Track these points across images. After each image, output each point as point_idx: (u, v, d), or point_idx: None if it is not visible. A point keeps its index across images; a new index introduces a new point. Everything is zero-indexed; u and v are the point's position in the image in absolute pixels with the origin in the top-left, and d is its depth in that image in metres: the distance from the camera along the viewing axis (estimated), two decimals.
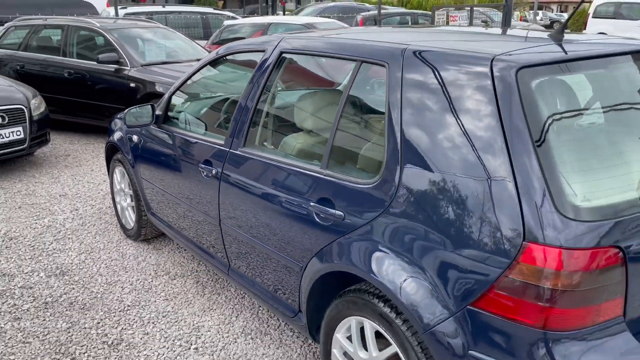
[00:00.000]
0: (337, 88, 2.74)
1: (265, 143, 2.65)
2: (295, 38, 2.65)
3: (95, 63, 6.70)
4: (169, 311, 3.18)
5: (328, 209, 2.14)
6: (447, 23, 10.21)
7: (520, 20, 35.89)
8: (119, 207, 4.20)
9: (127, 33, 6.99)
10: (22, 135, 5.62)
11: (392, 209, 1.92)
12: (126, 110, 3.38)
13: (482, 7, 13.00)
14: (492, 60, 1.79)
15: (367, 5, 18.53)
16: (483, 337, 1.68)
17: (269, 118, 2.67)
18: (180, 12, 10.55)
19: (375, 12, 12.13)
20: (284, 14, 19.52)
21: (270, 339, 2.91)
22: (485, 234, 1.66)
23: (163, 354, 2.78)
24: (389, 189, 1.94)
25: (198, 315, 3.13)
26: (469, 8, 10.65)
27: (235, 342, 2.89)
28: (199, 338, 2.92)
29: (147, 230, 3.96)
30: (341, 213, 2.09)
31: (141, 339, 2.92)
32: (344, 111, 2.24)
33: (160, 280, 3.53)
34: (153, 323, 3.06)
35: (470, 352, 1.69)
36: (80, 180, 5.59)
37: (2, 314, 3.15)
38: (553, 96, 1.78)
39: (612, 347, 1.60)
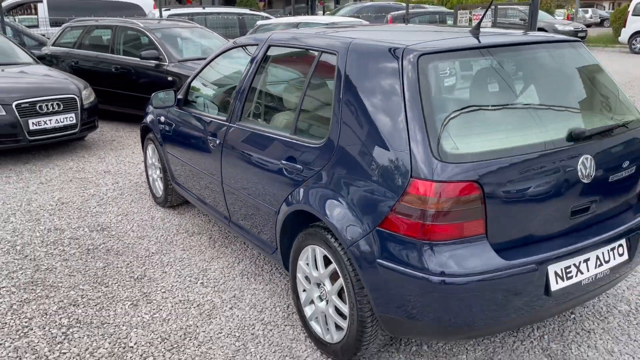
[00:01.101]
0: (304, 73, 3.40)
1: (253, 118, 3.34)
2: (281, 34, 3.32)
3: (138, 59, 7.56)
4: (184, 258, 3.91)
5: (293, 164, 2.81)
6: (470, 22, 10.65)
7: (568, 18, 35.45)
8: (150, 179, 4.98)
9: (167, 32, 7.83)
10: (74, 121, 6.51)
11: (332, 162, 2.57)
12: (153, 94, 4.13)
13: (509, 6, 13.31)
14: (403, 50, 2.42)
15: (402, 4, 19.00)
16: (385, 249, 2.30)
17: (257, 98, 3.35)
18: (219, 13, 11.40)
19: (404, 11, 12.67)
20: (323, 14, 20.22)
21: (262, 278, 3.60)
22: (387, 174, 2.30)
23: (176, 286, 3.51)
24: (332, 147, 2.59)
25: (207, 261, 3.85)
26: (493, 7, 11.03)
27: (234, 280, 3.59)
28: (205, 276, 3.63)
29: (172, 198, 4.72)
30: (300, 167, 2.75)
31: (160, 275, 3.66)
32: (307, 92, 2.90)
33: (180, 236, 4.27)
34: (170, 265, 3.80)
35: (377, 260, 2.32)
36: (122, 160, 6.43)
37: (54, 256, 3.96)
38: (444, 75, 2.39)
39: (473, 251, 2.20)
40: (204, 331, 3.02)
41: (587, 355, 2.77)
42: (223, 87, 3.92)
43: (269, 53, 3.33)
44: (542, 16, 21.20)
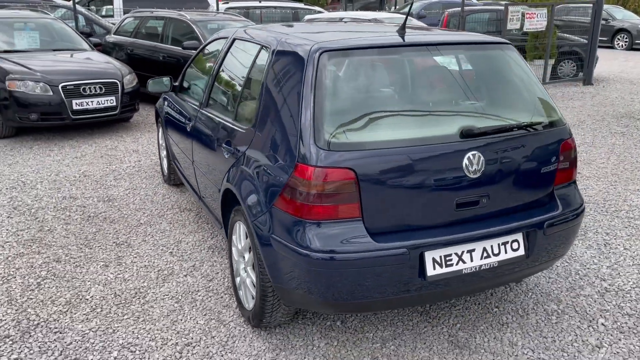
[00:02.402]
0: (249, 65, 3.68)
1: (212, 104, 3.67)
2: (246, 29, 3.63)
3: (181, 49, 8.12)
4: (166, 230, 4.32)
5: (229, 146, 3.12)
6: (522, 21, 10.39)
7: None
8: (160, 158, 5.45)
9: (210, 25, 8.33)
10: (114, 104, 7.14)
11: (250, 145, 2.86)
12: (149, 80, 4.55)
13: (571, 5, 12.77)
14: (311, 47, 2.65)
15: (474, 1, 18.62)
16: (277, 225, 2.56)
17: (217, 87, 3.68)
18: (275, 7, 11.84)
19: (468, 7, 12.53)
20: (391, 10, 20.25)
21: (225, 253, 3.94)
22: (282, 158, 2.55)
23: (148, 253, 3.93)
24: (254, 132, 2.87)
25: (185, 234, 4.24)
26: (550, 5, 10.70)
27: (200, 252, 3.95)
28: (177, 247, 4.02)
29: (174, 176, 5.16)
30: (233, 149, 3.06)
31: (138, 243, 4.09)
32: (247, 81, 3.19)
33: (171, 211, 4.70)
34: (152, 235, 4.22)
35: (271, 235, 2.59)
36: (153, 141, 6.99)
37: (59, 219, 4.50)
38: (341, 71, 2.61)
39: (347, 232, 2.41)
40: (153, 292, 3.40)
41: (488, 345, 2.89)
42: (202, 76, 4.28)
43: (233, 46, 3.65)
44: (627, 16, 20.05)
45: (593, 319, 3.12)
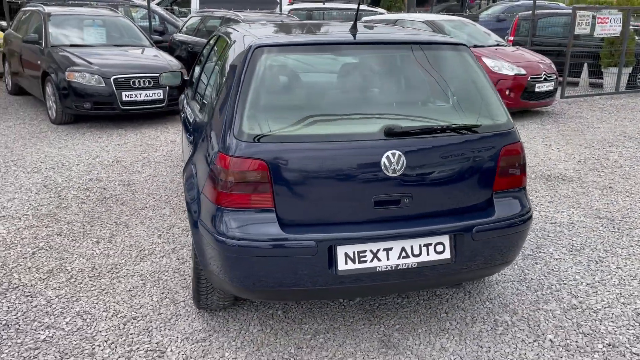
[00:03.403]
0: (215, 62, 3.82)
1: (195, 98, 3.86)
2: (227, 26, 3.80)
3: None
4: (165, 214, 4.59)
5: (192, 137, 3.29)
6: (594, 26, 9.80)
7: None
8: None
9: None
10: (161, 97, 7.58)
11: (202, 136, 3.01)
12: (159, 74, 4.83)
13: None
14: (250, 43, 2.77)
15: (560, 4, 17.77)
16: (202, 211, 2.70)
17: (200, 81, 3.87)
18: (340, 9, 11.97)
19: (541, 10, 12.00)
20: (472, 11, 19.73)
21: None
22: (212, 148, 2.68)
23: (139, 234, 4.20)
24: (207, 124, 3.03)
25: (181, 220, 4.48)
26: (626, 10, 9.99)
27: (186, 237, 4.17)
28: (168, 231, 4.27)
29: None
30: (194, 139, 3.23)
31: (135, 224, 4.38)
32: (215, 74, 3.34)
33: (178, 198, 4.97)
34: (150, 218, 4.50)
35: (199, 219, 2.73)
36: None
37: (77, 198, 4.90)
38: (271, 66, 2.69)
39: (257, 221, 2.50)
40: (127, 269, 3.65)
41: (417, 348, 2.86)
42: (197, 70, 4.50)
43: (217, 43, 3.83)
44: None
45: (542, 334, 2.99)
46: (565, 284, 3.52)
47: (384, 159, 2.55)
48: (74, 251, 3.89)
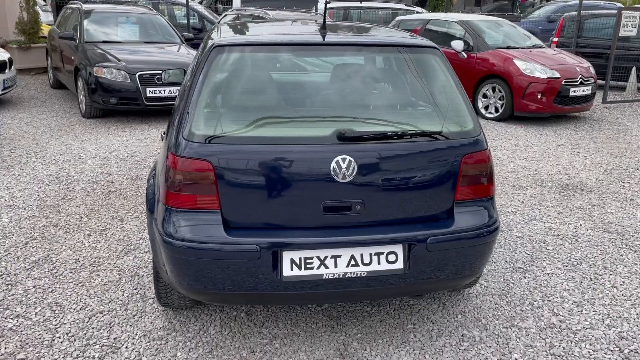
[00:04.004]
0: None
1: None
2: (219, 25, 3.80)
3: None
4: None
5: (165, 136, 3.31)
6: None
7: None
8: None
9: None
10: None
11: (167, 135, 3.02)
12: (169, 70, 4.90)
13: None
14: (214, 42, 2.75)
15: (617, 4, 16.94)
16: (156, 210, 2.70)
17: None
18: (377, 8, 11.82)
19: (591, 11, 11.47)
20: (524, 10, 19.10)
21: None
22: (167, 147, 2.68)
23: (130, 229, 4.27)
24: (171, 122, 3.03)
25: None
26: None
27: None
28: None
29: None
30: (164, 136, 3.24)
31: (130, 219, 4.45)
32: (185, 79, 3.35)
33: None
34: (145, 214, 4.57)
35: (153, 219, 2.74)
36: None
37: (84, 190, 5.04)
38: (229, 66, 2.66)
39: (202, 222, 2.48)
40: (108, 263, 3.72)
41: (372, 359, 2.78)
42: None
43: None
44: None
45: (509, 353, 2.84)
46: (549, 300, 3.34)
47: (333, 164, 2.47)
48: (64, 243, 3.99)
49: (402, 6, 12.39)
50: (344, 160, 2.47)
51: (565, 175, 5.82)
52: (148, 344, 2.87)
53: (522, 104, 8.06)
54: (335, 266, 2.51)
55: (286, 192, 2.48)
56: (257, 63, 2.74)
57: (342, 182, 2.49)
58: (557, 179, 5.71)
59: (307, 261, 2.50)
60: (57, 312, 3.14)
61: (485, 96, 8.50)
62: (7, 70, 8.37)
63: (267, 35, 2.80)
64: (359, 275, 2.52)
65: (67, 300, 3.26)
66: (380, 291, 2.61)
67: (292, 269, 2.49)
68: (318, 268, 2.50)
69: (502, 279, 3.57)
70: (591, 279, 3.61)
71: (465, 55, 8.63)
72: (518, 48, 8.66)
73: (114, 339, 2.91)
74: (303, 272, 2.49)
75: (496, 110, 8.38)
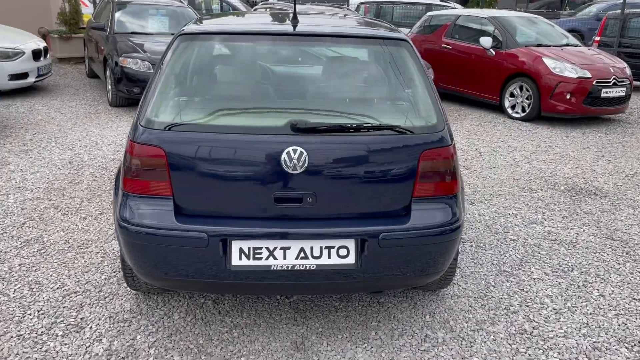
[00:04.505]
0: None
1: None
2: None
3: None
4: None
5: None
6: None
7: None
8: None
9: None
10: None
11: None
12: None
13: None
14: (180, 30, 2.78)
15: None
16: (117, 195, 2.75)
17: None
18: (412, 4, 11.62)
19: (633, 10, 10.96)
20: (575, 9, 18.41)
21: None
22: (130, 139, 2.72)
23: None
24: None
25: None
26: None
27: None
28: None
29: None
30: None
31: None
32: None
33: None
34: None
35: (115, 201, 2.77)
36: None
37: (92, 175, 5.18)
38: (191, 54, 2.67)
39: (154, 208, 2.50)
40: (95, 246, 3.81)
41: (326, 355, 2.74)
42: None
43: None
44: None
45: (469, 357, 2.76)
46: (527, 306, 3.22)
47: (284, 155, 2.45)
48: (59, 225, 4.12)
49: (436, 1, 12.16)
50: (295, 151, 2.45)
51: (582, 179, 5.59)
52: (112, 325, 2.93)
53: (549, 104, 7.79)
54: (284, 258, 2.50)
55: (237, 182, 2.48)
56: (218, 52, 2.75)
57: (293, 173, 2.47)
58: (572, 182, 5.49)
59: (256, 251, 2.49)
60: (34, 290, 3.24)
61: (512, 95, 8.25)
62: (42, 59, 8.69)
63: (234, 25, 2.80)
64: (308, 268, 2.50)
65: (47, 279, 3.36)
66: (330, 285, 2.58)
67: (240, 259, 2.49)
68: (267, 259, 2.49)
69: (483, 282, 3.46)
70: (579, 286, 3.46)
71: (494, 53, 8.40)
72: (550, 46, 8.37)
73: (80, 318, 2.99)
74: (251, 262, 2.49)
75: (523, 110, 8.13)
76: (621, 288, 3.46)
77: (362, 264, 2.53)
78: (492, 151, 6.52)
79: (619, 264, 3.78)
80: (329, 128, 2.50)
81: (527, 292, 3.37)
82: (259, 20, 3.12)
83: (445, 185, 2.63)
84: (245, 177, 2.47)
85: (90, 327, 2.91)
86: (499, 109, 8.58)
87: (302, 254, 2.50)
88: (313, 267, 2.50)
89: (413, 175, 2.56)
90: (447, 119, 2.71)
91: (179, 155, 2.48)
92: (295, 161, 2.45)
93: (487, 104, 8.85)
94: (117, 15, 8.70)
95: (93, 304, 3.12)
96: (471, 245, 3.96)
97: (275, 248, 2.50)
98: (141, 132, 2.52)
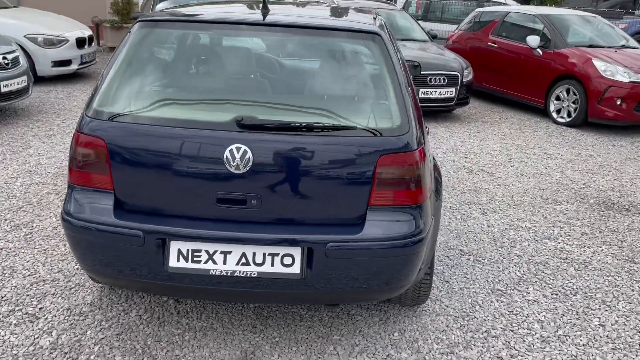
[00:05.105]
0: None
1: None
2: None
3: None
4: None
5: None
6: None
7: None
8: None
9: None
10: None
11: None
12: None
13: None
14: (138, 17, 2.66)
15: None
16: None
17: None
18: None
19: None
20: None
21: None
22: None
23: None
24: None
25: None
26: None
27: None
28: None
29: None
30: None
31: None
32: None
33: None
34: None
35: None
36: None
37: None
38: (146, 42, 2.54)
39: (95, 201, 2.40)
40: None
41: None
42: None
43: None
44: None
45: None
46: (512, 331, 2.92)
47: (227, 153, 2.29)
48: (54, 210, 4.14)
49: None
50: (238, 149, 2.28)
51: (617, 193, 5.12)
52: (66, 318, 2.87)
53: (597, 110, 7.23)
54: (224, 263, 2.34)
55: (178, 179, 2.34)
56: (175, 41, 2.61)
57: (236, 173, 2.30)
58: (605, 196, 5.04)
59: (195, 254, 2.35)
60: (6, 275, 3.24)
61: (558, 98, 7.73)
62: (86, 47, 8.91)
63: (195, 13, 2.65)
64: (248, 275, 2.33)
65: (22, 265, 3.36)
66: (273, 295, 2.40)
67: (178, 260, 2.35)
68: (206, 262, 2.34)
69: (470, 300, 3.18)
70: (578, 312, 3.12)
71: (541, 52, 7.89)
72: (603, 47, 7.78)
73: (39, 308, 2.95)
74: (189, 265, 2.35)
75: (569, 114, 7.60)
76: (627, 318, 3.09)
77: (308, 275, 2.33)
78: (524, 157, 6.11)
79: (632, 290, 3.39)
80: (277, 126, 2.31)
81: (515, 314, 3.06)
82: (227, 9, 2.96)
83: (408, 194, 2.39)
84: (186, 175, 2.33)
85: (46, 318, 2.86)
86: (544, 112, 8.07)
87: (243, 260, 2.33)
88: (254, 274, 2.33)
89: (369, 182, 2.34)
90: (418, 121, 2.46)
91: (119, 148, 2.37)
92: (239, 160, 2.28)
93: (532, 107, 8.34)
94: (159, 5, 8.78)
95: (57, 294, 3.08)
96: (468, 259, 3.67)
97: (215, 252, 2.34)
98: (86, 122, 2.42)
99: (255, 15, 2.58)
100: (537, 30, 8.14)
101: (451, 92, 7.39)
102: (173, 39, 2.61)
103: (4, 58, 6.26)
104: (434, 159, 2.95)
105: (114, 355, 2.61)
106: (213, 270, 2.34)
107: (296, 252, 2.33)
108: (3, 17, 8.42)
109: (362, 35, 2.52)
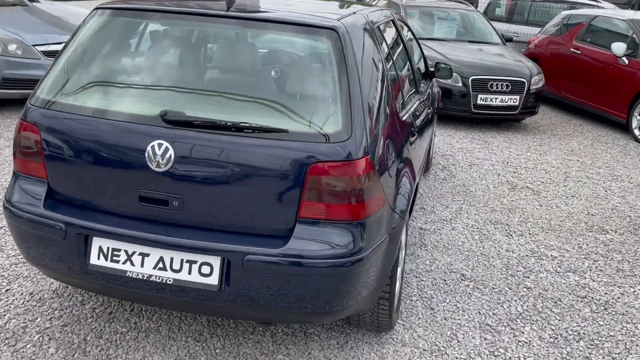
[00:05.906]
0: None
1: None
2: None
3: None
4: None
5: None
6: None
7: None
8: None
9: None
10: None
11: None
12: None
13: None
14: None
15: None
16: None
17: None
18: (556, 1, 10.23)
19: None
20: None
21: None
22: None
23: None
24: None
25: None
26: None
27: None
28: None
29: None
30: None
31: None
32: None
33: None
34: None
35: None
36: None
37: None
38: (97, 30, 2.45)
39: (29, 189, 2.36)
40: None
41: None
42: None
43: None
44: None
45: None
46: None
47: (149, 149, 2.15)
48: None
49: (585, 0, 10.54)
50: (159, 146, 2.13)
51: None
52: (25, 303, 2.87)
53: None
54: (142, 265, 2.20)
55: (104, 173, 2.23)
56: (124, 30, 2.49)
57: (157, 171, 2.15)
58: (623, 213, 4.38)
59: (115, 253, 2.23)
60: None
61: None
62: None
63: (153, 2, 2.53)
64: (164, 281, 2.18)
65: (12, 245, 3.42)
66: (188, 305, 2.23)
67: (99, 258, 2.25)
68: (124, 263, 2.22)
69: (449, 333, 2.83)
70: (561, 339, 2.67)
71: (626, 61, 7.08)
72: None
73: (6, 290, 2.98)
74: (108, 264, 2.23)
75: None
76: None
77: (225, 288, 2.14)
78: (583, 177, 5.48)
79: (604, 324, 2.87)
80: (202, 123, 2.13)
81: (496, 356, 2.68)
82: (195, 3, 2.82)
83: (345, 207, 2.12)
84: (110, 169, 2.22)
85: (6, 301, 2.88)
86: (626, 128, 7.25)
87: (160, 264, 2.18)
88: (170, 281, 2.18)
89: (298, 192, 2.10)
90: (368, 128, 2.18)
91: (51, 136, 2.30)
92: (160, 157, 2.13)
93: (614, 122, 7.54)
94: None
95: (29, 277, 3.10)
96: (467, 286, 3.29)
97: (134, 253, 2.21)
98: (27, 110, 2.38)
99: (219, 7, 2.41)
100: (626, 37, 7.32)
101: (515, 100, 6.83)
102: (121, 27, 2.50)
103: None
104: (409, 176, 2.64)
105: (49, 347, 2.56)
106: (130, 272, 2.21)
107: (215, 261, 2.14)
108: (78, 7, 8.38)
109: (316, 30, 2.28)
